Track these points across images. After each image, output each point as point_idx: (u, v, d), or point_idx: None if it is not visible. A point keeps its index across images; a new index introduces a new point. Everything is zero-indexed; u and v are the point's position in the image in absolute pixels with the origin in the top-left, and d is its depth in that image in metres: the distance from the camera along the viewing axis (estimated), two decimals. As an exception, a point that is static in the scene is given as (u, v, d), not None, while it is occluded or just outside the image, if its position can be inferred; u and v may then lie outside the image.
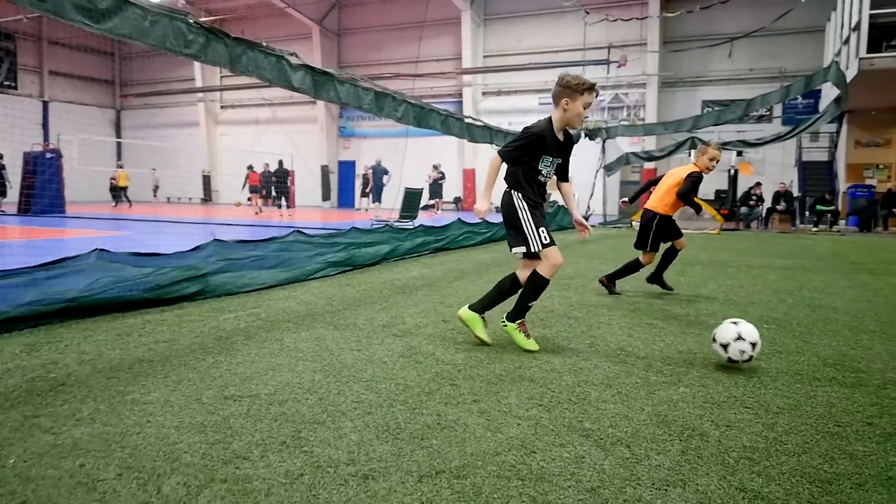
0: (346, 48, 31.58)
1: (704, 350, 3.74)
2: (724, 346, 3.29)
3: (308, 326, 4.17)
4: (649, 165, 23.84)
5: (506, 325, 3.69)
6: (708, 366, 3.40)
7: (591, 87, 3.47)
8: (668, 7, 24.05)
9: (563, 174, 3.79)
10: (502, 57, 28.08)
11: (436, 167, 24.53)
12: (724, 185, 21.43)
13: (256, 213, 20.81)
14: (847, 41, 16.56)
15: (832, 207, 17.44)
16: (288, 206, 22.87)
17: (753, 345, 3.26)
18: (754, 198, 18.58)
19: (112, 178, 27.28)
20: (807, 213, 18.39)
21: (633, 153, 18.46)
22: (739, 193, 19.56)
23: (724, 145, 17.29)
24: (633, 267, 5.88)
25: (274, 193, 22.66)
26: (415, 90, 28.27)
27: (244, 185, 23.73)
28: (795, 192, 20.24)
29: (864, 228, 17.62)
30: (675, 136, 18.69)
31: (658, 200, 5.80)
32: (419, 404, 2.69)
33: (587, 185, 18.64)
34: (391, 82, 28.33)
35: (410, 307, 4.94)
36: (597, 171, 18.16)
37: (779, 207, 18.44)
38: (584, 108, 3.46)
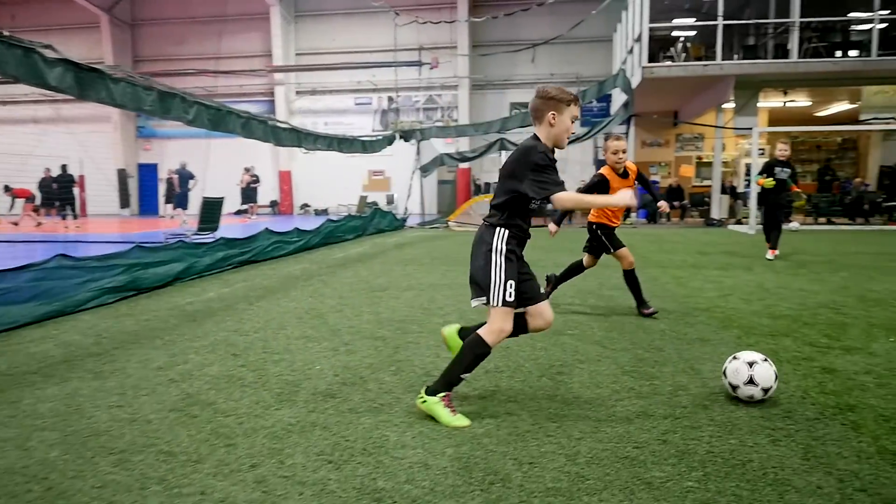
0: (141, 41, 28.83)
1: (511, 367, 3.63)
2: (734, 388, 3.02)
3: (61, 378, 3.45)
4: (464, 166, 24.56)
5: (424, 401, 2.85)
6: (514, 388, 3.27)
7: (576, 99, 3.15)
8: (475, 12, 24.86)
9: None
10: (315, 55, 27.32)
11: (248, 170, 23.21)
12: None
13: (38, 226, 18.20)
14: (631, 51, 18.18)
15: (625, 202, 19.05)
16: (76, 217, 20.29)
17: (766, 390, 2.95)
18: (559, 195, 19.75)
19: None
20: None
21: (448, 154, 18.79)
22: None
23: (530, 146, 18.20)
24: (577, 269, 5.70)
25: (58, 203, 19.93)
26: (220, 89, 26.63)
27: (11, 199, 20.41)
28: (594, 189, 21.88)
29: (651, 220, 19.50)
30: (488, 137, 19.34)
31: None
32: (180, 480, 2.21)
33: (405, 186, 18.69)
34: (195, 79, 26.42)
35: (197, 340, 4.34)
36: (413, 172, 18.21)
37: (581, 203, 19.79)
38: (572, 123, 3.04)
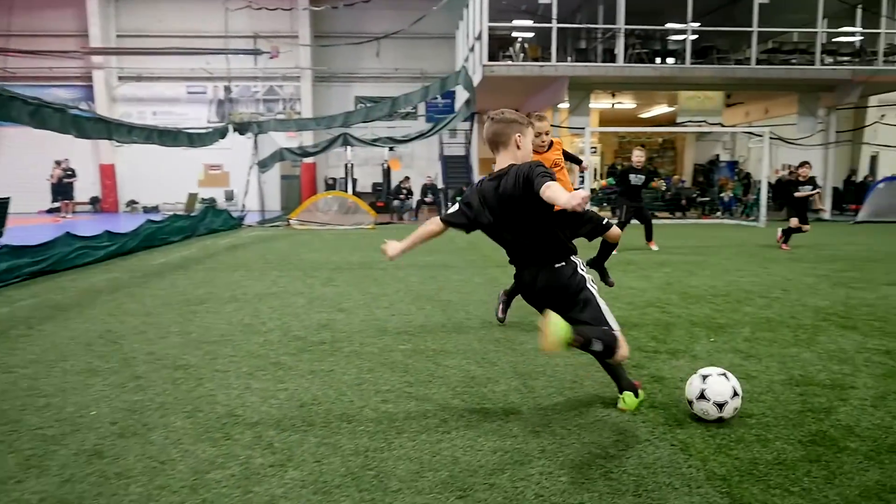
0: (-80, 10, 24.63)
1: (331, 396, 3.22)
2: (689, 403, 2.84)
3: None
4: (308, 161, 23.64)
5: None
6: (332, 422, 2.86)
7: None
8: (316, 1, 23.98)
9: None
10: (140, 38, 24.88)
11: (60, 163, 20.67)
12: (380, 179, 22.33)
13: None
14: (473, 49, 18.36)
15: (470, 199, 19.30)
16: None
17: (720, 405, 2.73)
18: (404, 191, 19.59)
19: None
20: (449, 203, 20.05)
21: (288, 149, 17.89)
22: (393, 187, 20.51)
23: (374, 141, 17.83)
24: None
25: None
26: (25, 71, 23.52)
27: None
28: (440, 185, 21.99)
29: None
30: (332, 132, 18.67)
31: None
32: None
33: (242, 182, 17.52)
34: (-7, 59, 23.07)
35: (-61, 383, 3.47)
36: (250, 168, 17.12)
37: (427, 199, 19.78)
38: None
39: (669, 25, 18.16)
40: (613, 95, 20.63)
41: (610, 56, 17.33)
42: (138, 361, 3.86)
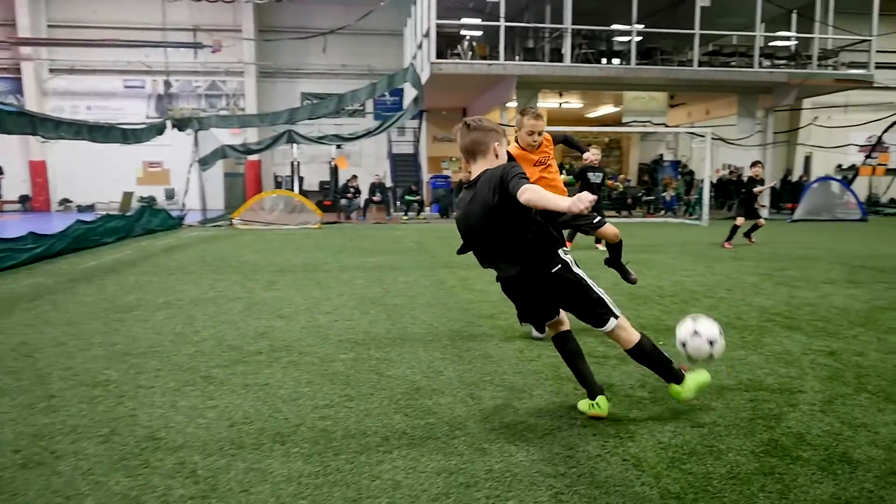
0: None
1: (264, 413, 2.99)
2: (682, 345, 2.93)
3: None
4: (253, 158, 23.02)
5: (679, 392, 2.85)
6: (264, 444, 2.64)
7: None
8: (260, -6, 23.36)
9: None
10: (73, 29, 23.71)
11: (-17, 160, 19.54)
12: (328, 177, 21.91)
13: None
14: (420, 46, 18.17)
15: (418, 197, 19.10)
16: None
17: (711, 342, 2.87)
18: (352, 190, 19.26)
19: None
20: (398, 202, 19.83)
21: (231, 146, 17.33)
22: (341, 186, 20.13)
23: (321, 139, 17.45)
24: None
25: None
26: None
27: None
28: (388, 183, 21.73)
29: (444, 215, 19.78)
30: (277, 129, 18.18)
31: None
32: None
33: (183, 180, 16.88)
34: None
35: None
36: (190, 165, 16.50)
37: (375, 198, 19.49)
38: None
39: (615, 27, 18.38)
40: (561, 95, 20.78)
41: (557, 56, 17.40)
42: (53, 378, 3.54)
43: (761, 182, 10.62)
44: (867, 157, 22.91)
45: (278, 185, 23.71)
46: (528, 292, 2.88)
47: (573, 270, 2.80)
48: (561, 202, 2.42)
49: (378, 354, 4.02)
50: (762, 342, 4.27)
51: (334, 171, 21.17)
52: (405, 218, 18.42)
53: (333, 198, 19.83)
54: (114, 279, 7.19)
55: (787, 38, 19.27)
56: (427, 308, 5.47)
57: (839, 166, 24.00)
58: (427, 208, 20.24)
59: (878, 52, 19.01)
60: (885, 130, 21.89)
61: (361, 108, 24.46)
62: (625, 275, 4.90)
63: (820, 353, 3.99)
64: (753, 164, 10.76)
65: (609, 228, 4.67)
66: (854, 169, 22.72)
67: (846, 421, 2.87)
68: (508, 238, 2.76)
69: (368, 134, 17.49)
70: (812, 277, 7.08)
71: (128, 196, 19.25)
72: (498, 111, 19.29)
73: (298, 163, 19.56)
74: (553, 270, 2.76)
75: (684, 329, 2.92)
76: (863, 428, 2.79)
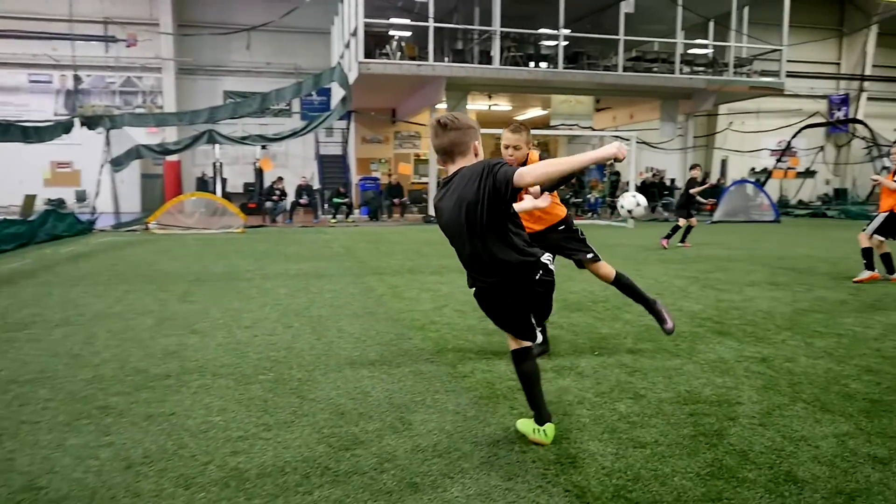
0: None
1: (168, 449, 2.65)
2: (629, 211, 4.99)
3: None
4: (172, 158, 21.94)
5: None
6: (164, 490, 2.31)
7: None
8: (178, -13, 22.34)
9: None
10: (-31, 18, 22.02)
11: None
12: (252, 179, 21.14)
13: None
14: (348, 45, 17.77)
15: (347, 200, 18.66)
16: None
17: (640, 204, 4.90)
18: (278, 192, 18.65)
19: None
20: (326, 205, 19.33)
21: (146, 146, 16.41)
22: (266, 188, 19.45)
23: (244, 139, 16.79)
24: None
25: None
26: None
27: None
28: (316, 185, 21.17)
29: (373, 217, 19.43)
30: (197, 128, 17.36)
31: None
32: None
33: (93, 181, 15.85)
34: None
35: None
36: (102, 166, 15.50)
37: (302, 201, 18.92)
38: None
39: (543, 30, 18.53)
40: (490, 97, 20.82)
41: (486, 58, 17.39)
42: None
43: (701, 184, 11.31)
44: (778, 160, 24.05)
45: (201, 185, 22.72)
46: (507, 300, 2.65)
47: (552, 271, 2.66)
48: (582, 157, 2.35)
49: (300, 374, 3.72)
50: (696, 349, 4.23)
51: (259, 172, 20.45)
52: (333, 221, 17.96)
53: (258, 200, 19.14)
54: (8, 292, 6.54)
55: (705, 46, 19.97)
56: (354, 319, 5.19)
57: (752, 169, 25.10)
58: (356, 211, 19.82)
59: (788, 61, 20.00)
60: (794, 136, 23.08)
61: (287, 107, 23.76)
62: (661, 321, 3.97)
63: (753, 360, 3.97)
64: (693, 167, 11.55)
65: (604, 267, 4.04)
66: (766, 172, 23.80)
67: (786, 435, 2.80)
68: (488, 238, 2.54)
69: (294, 134, 16.96)
70: (736, 280, 7.22)
71: (30, 199, 17.85)
72: (428, 112, 19.11)
73: (221, 164, 18.75)
74: (537, 277, 2.59)
75: (628, 201, 4.95)
76: (803, 442, 2.73)
